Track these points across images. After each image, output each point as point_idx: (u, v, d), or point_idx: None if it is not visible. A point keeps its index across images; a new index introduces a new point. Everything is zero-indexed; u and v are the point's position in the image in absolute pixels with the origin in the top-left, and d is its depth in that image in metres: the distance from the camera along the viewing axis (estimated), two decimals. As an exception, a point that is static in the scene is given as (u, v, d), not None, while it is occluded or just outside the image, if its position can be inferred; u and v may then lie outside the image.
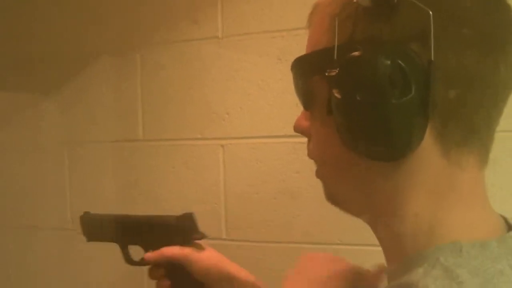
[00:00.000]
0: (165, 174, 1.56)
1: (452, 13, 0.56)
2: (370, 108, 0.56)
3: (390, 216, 0.61)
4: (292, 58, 1.39)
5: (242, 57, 1.45)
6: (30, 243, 1.80)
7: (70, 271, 1.73)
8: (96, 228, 1.10)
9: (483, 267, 0.54)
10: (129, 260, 1.08)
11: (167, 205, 1.56)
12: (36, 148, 1.77)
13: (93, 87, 1.66)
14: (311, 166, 1.42)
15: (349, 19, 0.58)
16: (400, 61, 0.54)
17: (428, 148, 0.58)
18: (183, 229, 1.00)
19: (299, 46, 1.39)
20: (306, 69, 0.66)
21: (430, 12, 0.53)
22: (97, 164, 1.67)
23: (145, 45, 1.58)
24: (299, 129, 0.72)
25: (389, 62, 0.54)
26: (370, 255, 1.31)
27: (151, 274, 1.04)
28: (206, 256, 1.00)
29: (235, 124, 1.47)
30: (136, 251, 1.07)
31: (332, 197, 0.69)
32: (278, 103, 1.41)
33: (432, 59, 0.54)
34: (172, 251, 0.99)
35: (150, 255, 1.01)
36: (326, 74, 0.58)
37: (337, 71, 0.57)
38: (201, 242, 1.02)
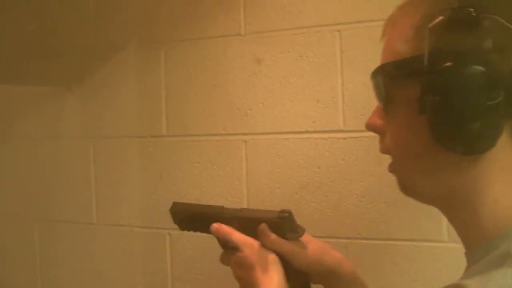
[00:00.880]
0: (188, 169, 1.57)
1: None
2: (462, 108, 0.66)
3: (470, 205, 0.71)
4: (313, 55, 1.42)
5: (264, 54, 1.46)
6: (55, 237, 1.83)
7: (95, 264, 1.76)
8: (189, 218, 1.06)
9: None
10: None
11: (191, 199, 1.55)
12: (62, 143, 1.80)
13: (118, 82, 1.69)
14: (332, 161, 1.43)
15: (437, 30, 0.67)
16: (488, 70, 0.64)
17: (503, 144, 0.68)
18: (289, 224, 0.97)
19: (320, 43, 1.42)
20: (393, 74, 0.75)
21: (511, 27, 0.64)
22: (122, 159, 1.69)
23: (169, 41, 1.59)
24: (372, 127, 0.81)
25: (480, 70, 0.64)
26: (389, 249, 1.33)
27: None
28: (310, 251, 0.99)
29: (258, 120, 1.48)
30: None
31: (409, 188, 0.79)
32: (299, 99, 1.42)
33: None
34: (281, 243, 0.97)
35: (268, 229, 0.96)
36: (422, 79, 0.68)
37: (433, 77, 0.67)
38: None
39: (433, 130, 0.69)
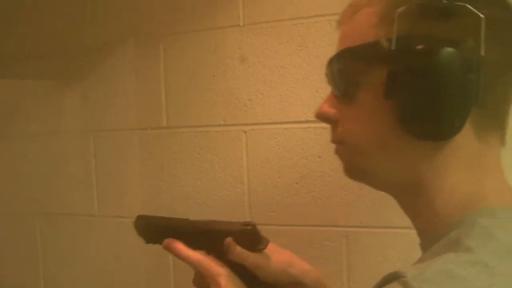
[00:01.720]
0: (189, 160, 1.59)
1: (495, 18, 0.66)
2: (429, 94, 0.66)
3: (425, 191, 0.71)
4: (311, 46, 1.43)
5: (263, 44, 1.47)
6: (57, 230, 1.85)
7: (96, 256, 1.77)
8: (154, 231, 1.01)
9: None
10: None
11: (192, 190, 1.59)
12: (62, 137, 1.81)
13: (117, 76, 1.70)
14: (332, 151, 1.44)
15: (405, 19, 0.67)
16: (457, 56, 0.65)
17: (465, 130, 0.67)
18: (252, 236, 0.93)
19: (318, 33, 1.43)
20: (354, 59, 0.74)
21: (482, 16, 0.64)
22: (123, 152, 1.71)
23: (167, 34, 1.61)
24: (325, 116, 0.80)
25: (449, 56, 0.64)
26: (390, 237, 1.35)
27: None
28: (275, 263, 0.95)
29: (257, 110, 1.49)
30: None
31: (364, 174, 0.77)
32: (298, 89, 1.43)
33: (483, 55, 0.64)
34: (245, 256, 0.92)
35: (233, 244, 0.91)
36: (392, 63, 0.68)
37: (401, 62, 0.67)
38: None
39: (399, 115, 0.69)
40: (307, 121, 1.42)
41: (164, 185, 1.63)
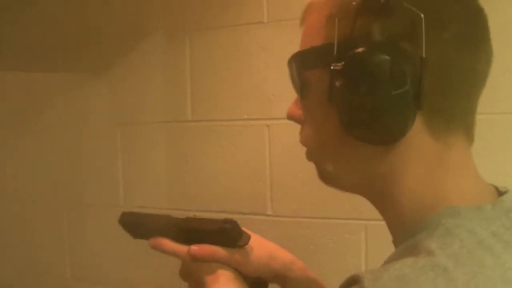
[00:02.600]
0: (213, 153, 1.62)
1: (438, 17, 0.65)
2: (369, 97, 0.63)
3: (389, 193, 0.69)
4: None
5: (287, 41, 1.49)
6: (83, 219, 1.89)
7: (121, 245, 1.81)
8: (139, 227, 1.04)
9: (480, 227, 0.62)
10: None
11: (215, 182, 1.62)
12: (90, 129, 1.86)
13: (144, 70, 1.73)
14: None
15: (346, 19, 0.65)
16: (397, 58, 0.62)
17: (418, 132, 0.65)
18: (230, 235, 0.94)
19: None
20: (304, 62, 0.73)
21: (422, 15, 0.61)
22: (149, 144, 1.75)
23: (194, 29, 1.64)
24: (292, 117, 0.80)
25: (387, 58, 0.62)
26: None
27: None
28: (256, 258, 0.96)
29: (280, 105, 1.50)
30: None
31: (329, 178, 0.77)
32: None
33: (423, 55, 0.61)
34: (223, 254, 0.91)
35: (198, 249, 0.91)
36: (332, 67, 0.65)
37: (339, 64, 0.64)
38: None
39: (341, 119, 0.67)
40: None
41: (188, 177, 1.67)
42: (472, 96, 0.69)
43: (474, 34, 0.68)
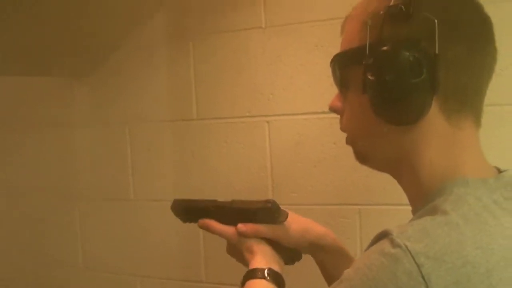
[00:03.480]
0: (217, 149, 1.70)
1: (451, 21, 0.80)
2: (393, 85, 0.78)
3: (411, 167, 0.83)
4: (327, 45, 1.56)
5: (283, 44, 1.59)
6: (96, 213, 1.96)
7: (132, 237, 1.89)
8: (189, 212, 1.13)
9: (484, 195, 0.77)
10: None
11: (220, 176, 1.70)
12: (101, 127, 1.92)
13: (151, 72, 1.80)
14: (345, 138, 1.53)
15: (376, 25, 0.81)
16: (415, 54, 0.77)
17: (434, 115, 0.80)
18: (271, 213, 1.04)
19: (333, 34, 1.54)
20: (344, 61, 0.90)
21: (436, 20, 0.77)
22: (157, 141, 1.82)
23: (196, 34, 1.71)
24: (333, 109, 0.95)
25: (407, 54, 0.76)
26: (399, 213, 1.47)
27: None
28: (294, 231, 1.08)
29: (279, 103, 1.60)
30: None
31: (364, 158, 0.91)
32: (315, 84, 1.54)
33: (437, 52, 0.77)
34: (266, 230, 1.04)
35: (244, 227, 1.04)
36: (363, 63, 0.81)
37: (371, 61, 0.80)
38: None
39: (372, 106, 0.81)
40: (323, 112, 1.53)
41: (194, 171, 1.74)
42: (480, 88, 0.84)
43: (482, 35, 0.83)
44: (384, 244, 0.71)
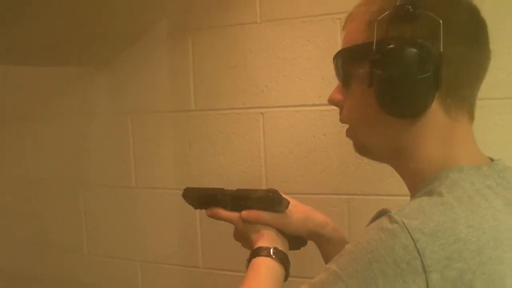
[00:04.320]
0: (214, 139, 1.75)
1: (453, 22, 0.84)
2: (399, 80, 0.82)
3: (411, 158, 0.88)
4: (318, 40, 1.60)
5: (277, 39, 1.63)
6: (100, 200, 2.02)
7: (134, 223, 1.95)
8: (199, 200, 1.19)
9: (478, 181, 0.82)
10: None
11: (217, 165, 1.75)
12: (104, 117, 1.97)
13: (152, 65, 1.85)
14: (336, 129, 1.58)
15: (382, 24, 0.85)
16: (421, 51, 0.81)
17: (435, 110, 0.85)
18: (273, 201, 1.09)
19: (324, 30, 1.62)
20: (348, 57, 0.93)
21: (441, 21, 0.81)
22: (157, 131, 1.86)
23: (195, 29, 1.76)
24: (334, 101, 0.98)
25: (415, 51, 0.81)
26: (386, 203, 1.48)
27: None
28: (294, 220, 1.12)
29: (272, 95, 1.64)
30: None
31: (364, 149, 0.95)
32: (307, 77, 1.58)
33: (441, 51, 0.81)
34: (267, 217, 1.09)
35: (247, 214, 1.10)
36: (371, 59, 0.84)
37: (379, 57, 0.83)
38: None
39: (378, 99, 0.84)
40: (314, 105, 1.57)
41: (192, 160, 1.79)
42: (476, 84, 0.89)
43: (479, 36, 0.88)
44: (383, 221, 0.76)
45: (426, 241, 0.72)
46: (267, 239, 1.08)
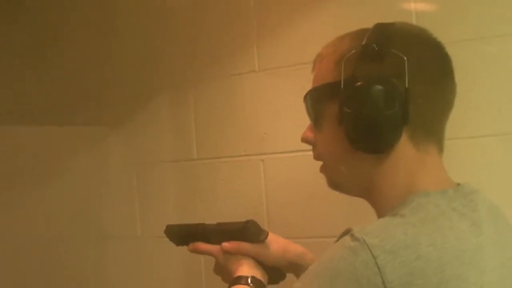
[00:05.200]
0: (216, 186, 1.77)
1: (417, 59, 0.87)
2: (368, 117, 0.85)
3: (381, 189, 0.90)
4: (311, 86, 1.58)
5: (274, 86, 1.67)
6: (106, 250, 2.04)
7: (140, 272, 1.96)
8: (180, 236, 1.24)
9: (443, 203, 0.84)
10: None
11: (219, 212, 1.76)
12: (111, 169, 2.02)
13: (155, 118, 1.90)
14: None
15: (350, 63, 0.88)
16: (387, 88, 0.84)
17: (404, 143, 0.87)
18: (252, 232, 1.13)
19: None
20: (319, 96, 0.97)
21: (405, 58, 0.85)
22: (161, 180, 1.89)
23: (196, 80, 1.81)
24: (306, 140, 1.04)
25: (381, 88, 0.84)
26: None
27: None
28: (274, 250, 1.15)
29: (272, 142, 1.67)
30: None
31: (336, 185, 0.99)
32: (304, 123, 1.53)
33: (407, 87, 0.84)
34: (247, 247, 1.13)
35: (227, 245, 1.13)
36: (340, 97, 0.87)
37: (347, 95, 0.87)
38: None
39: (348, 136, 0.87)
40: (311, 149, 1.58)
41: (195, 208, 1.81)
42: (443, 118, 0.92)
43: (444, 71, 0.91)
44: (345, 239, 0.79)
45: (386, 258, 0.74)
46: (246, 268, 1.11)
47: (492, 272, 0.83)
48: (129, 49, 1.96)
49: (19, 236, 2.13)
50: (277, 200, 1.68)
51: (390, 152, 0.87)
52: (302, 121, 1.56)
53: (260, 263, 1.14)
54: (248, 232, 1.13)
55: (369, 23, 0.95)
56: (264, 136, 1.69)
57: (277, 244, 1.17)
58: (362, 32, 0.91)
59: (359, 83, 0.85)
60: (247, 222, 1.14)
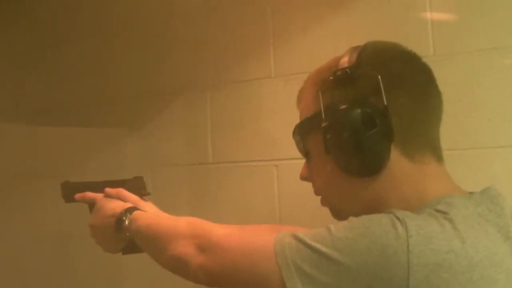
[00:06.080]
0: (231, 190, 1.79)
1: (392, 73, 0.87)
2: (351, 140, 0.85)
3: (388, 203, 0.87)
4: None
5: (289, 92, 1.62)
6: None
7: (155, 275, 1.92)
8: (72, 192, 1.34)
9: (471, 206, 0.82)
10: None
11: (233, 215, 1.78)
12: (127, 171, 1.93)
13: (171, 122, 1.92)
14: None
15: (327, 91, 0.89)
16: (365, 109, 0.84)
17: (396, 159, 0.86)
18: (134, 184, 1.28)
19: None
20: (303, 131, 0.98)
21: (379, 76, 0.85)
22: (176, 183, 1.91)
23: (212, 85, 1.83)
24: (303, 178, 1.03)
25: (359, 110, 0.84)
26: None
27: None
28: (148, 210, 1.25)
29: (286, 147, 1.66)
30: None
31: (340, 213, 0.95)
32: None
33: (385, 103, 0.84)
34: (127, 194, 1.27)
35: (110, 189, 1.27)
36: (322, 125, 0.88)
37: (328, 123, 0.87)
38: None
39: (337, 163, 0.87)
40: None
41: (210, 210, 1.82)
42: (433, 126, 0.91)
43: (423, 81, 0.91)
44: (388, 214, 0.79)
45: (418, 240, 0.74)
46: (128, 205, 1.22)
47: None
48: (149, 53, 1.98)
49: (34, 234, 2.18)
50: (290, 206, 1.69)
51: (383, 170, 0.86)
52: (316, 127, 1.63)
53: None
54: (131, 183, 1.26)
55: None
56: (278, 142, 1.71)
57: (152, 209, 1.27)
58: (336, 60, 0.92)
59: (337, 109, 0.86)
60: (135, 177, 1.28)
